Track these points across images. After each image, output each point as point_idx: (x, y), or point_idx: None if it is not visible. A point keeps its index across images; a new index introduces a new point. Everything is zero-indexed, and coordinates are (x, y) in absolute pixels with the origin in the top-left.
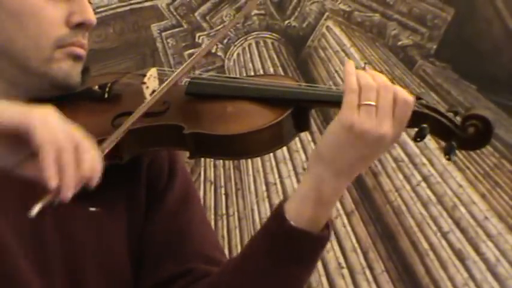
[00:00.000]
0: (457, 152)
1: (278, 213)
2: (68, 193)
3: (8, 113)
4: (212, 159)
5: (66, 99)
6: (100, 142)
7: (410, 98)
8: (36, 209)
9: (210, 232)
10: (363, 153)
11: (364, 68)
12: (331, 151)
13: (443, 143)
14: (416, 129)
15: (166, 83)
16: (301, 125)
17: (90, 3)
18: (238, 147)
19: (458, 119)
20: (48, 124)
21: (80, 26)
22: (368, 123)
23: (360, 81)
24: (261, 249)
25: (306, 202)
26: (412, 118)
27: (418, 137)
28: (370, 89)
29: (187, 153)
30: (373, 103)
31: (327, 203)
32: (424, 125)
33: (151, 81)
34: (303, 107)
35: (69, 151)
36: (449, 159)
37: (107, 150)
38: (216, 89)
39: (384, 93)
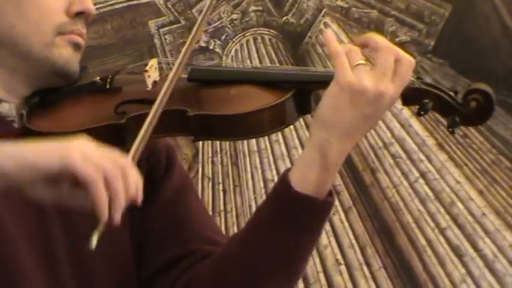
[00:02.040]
0: (460, 127)
1: (283, 180)
2: (119, 217)
3: (44, 156)
4: (211, 159)
5: (68, 91)
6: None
7: (412, 59)
8: (94, 241)
9: (210, 218)
10: (364, 113)
11: None
12: (332, 114)
13: (441, 139)
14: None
15: (170, 78)
16: (304, 107)
17: None
18: (242, 127)
19: (459, 97)
20: (88, 156)
21: (80, 15)
22: (366, 80)
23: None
24: (267, 218)
25: (311, 168)
26: (414, 95)
27: (422, 111)
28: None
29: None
30: (363, 62)
31: (332, 168)
32: (427, 100)
33: (152, 71)
34: (305, 89)
35: (118, 178)
36: (452, 133)
37: (137, 157)
38: (219, 74)
39: (384, 53)
